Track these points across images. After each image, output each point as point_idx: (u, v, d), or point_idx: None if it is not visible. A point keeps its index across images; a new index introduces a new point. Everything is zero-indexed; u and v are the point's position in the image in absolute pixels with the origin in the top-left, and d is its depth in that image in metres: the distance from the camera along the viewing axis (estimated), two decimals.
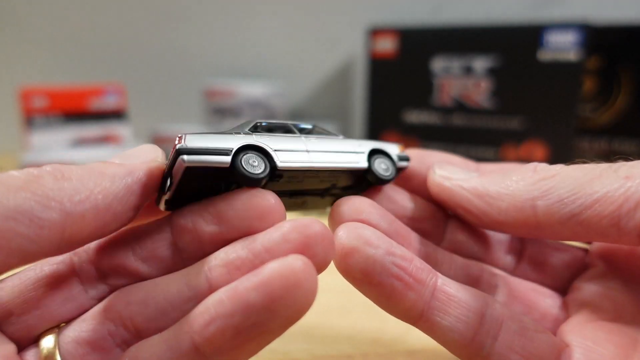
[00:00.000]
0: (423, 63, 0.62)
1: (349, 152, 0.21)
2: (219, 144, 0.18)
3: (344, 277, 0.19)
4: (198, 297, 0.16)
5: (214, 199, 0.18)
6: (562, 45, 0.55)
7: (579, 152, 0.62)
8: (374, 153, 0.22)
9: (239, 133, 0.19)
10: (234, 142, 0.18)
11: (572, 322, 0.20)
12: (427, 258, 0.21)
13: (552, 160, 0.56)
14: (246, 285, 0.15)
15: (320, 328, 0.30)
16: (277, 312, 0.15)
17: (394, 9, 0.78)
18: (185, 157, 0.17)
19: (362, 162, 0.21)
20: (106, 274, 0.18)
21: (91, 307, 0.18)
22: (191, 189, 0.18)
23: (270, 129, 0.21)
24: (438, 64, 0.62)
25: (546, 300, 0.22)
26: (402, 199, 0.23)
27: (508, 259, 0.23)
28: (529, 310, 0.22)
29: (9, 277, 0.18)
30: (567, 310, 0.21)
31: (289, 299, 0.14)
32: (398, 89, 0.65)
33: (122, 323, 0.17)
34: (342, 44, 0.83)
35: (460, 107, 0.61)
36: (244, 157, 0.18)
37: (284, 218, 0.18)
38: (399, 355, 0.27)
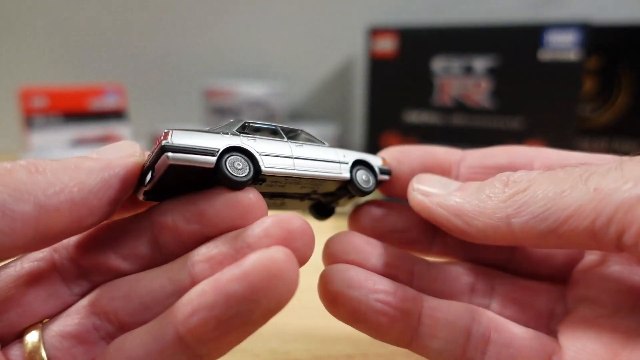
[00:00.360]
0: (423, 63, 0.62)
1: (333, 162, 0.21)
2: (204, 143, 0.17)
3: (334, 317, 0.20)
4: (181, 292, 0.17)
5: (194, 197, 0.18)
6: (562, 45, 0.55)
7: (579, 152, 0.61)
8: (357, 164, 0.22)
9: (227, 133, 0.19)
10: (220, 143, 0.18)
11: (569, 320, 0.20)
12: (420, 278, 0.22)
13: None
14: (228, 276, 0.15)
15: (321, 328, 0.30)
16: (259, 302, 0.15)
17: (394, 9, 0.78)
18: (170, 154, 0.16)
19: (344, 173, 0.21)
20: (87, 271, 0.18)
21: (74, 302, 0.18)
22: (172, 183, 0.18)
23: (258, 130, 0.21)
24: (438, 64, 0.62)
25: (542, 297, 0.22)
26: (384, 213, 0.23)
27: (503, 253, 0.23)
28: (523, 310, 0.21)
29: None
30: (566, 304, 0.21)
31: (271, 289, 0.15)
32: (398, 89, 0.65)
33: (107, 317, 0.17)
34: (342, 44, 0.83)
35: (460, 107, 0.61)
36: (229, 159, 0.18)
37: (263, 209, 0.18)
38: (399, 355, 0.27)
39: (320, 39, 0.84)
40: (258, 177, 0.19)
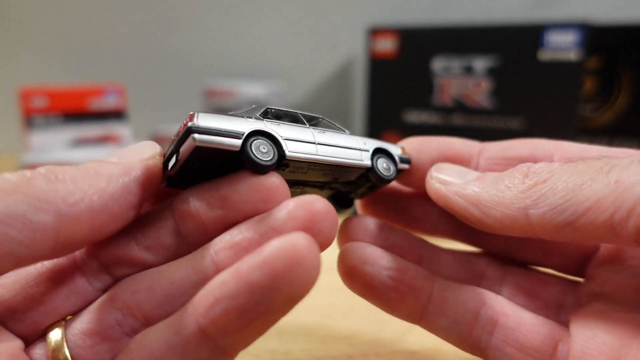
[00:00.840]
0: (423, 63, 0.62)
1: (354, 149, 0.21)
2: (230, 126, 0.17)
3: (350, 290, 0.21)
4: (205, 281, 0.16)
5: (216, 182, 0.18)
6: (562, 45, 0.55)
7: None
8: (377, 152, 0.22)
9: (250, 117, 0.19)
10: (245, 126, 0.18)
11: (582, 312, 0.20)
12: (429, 261, 0.23)
13: None
14: (249, 264, 0.15)
15: (321, 328, 0.30)
16: (280, 290, 0.14)
17: (394, 9, 0.78)
18: (196, 136, 0.16)
19: (366, 160, 0.21)
20: (109, 265, 0.18)
21: (96, 298, 0.18)
22: (196, 168, 0.18)
23: (279, 117, 0.21)
24: (438, 64, 0.62)
25: (552, 288, 0.22)
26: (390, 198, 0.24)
27: (514, 241, 0.23)
28: (532, 300, 0.22)
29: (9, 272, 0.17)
30: (578, 298, 0.21)
31: (292, 276, 0.14)
32: (398, 89, 0.65)
33: (130, 312, 0.17)
34: (342, 44, 0.83)
35: (460, 107, 0.61)
36: (254, 142, 0.18)
37: (286, 192, 0.18)
38: (399, 355, 0.27)
39: (320, 39, 0.84)
40: (281, 162, 0.19)
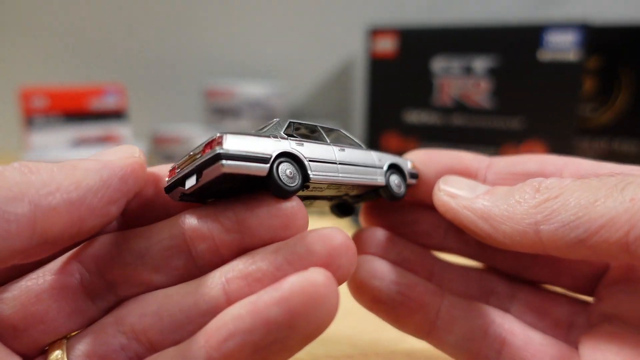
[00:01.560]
0: (423, 63, 0.62)
1: (371, 167, 0.21)
2: (257, 148, 0.17)
3: (359, 303, 0.21)
4: (215, 310, 0.16)
5: (233, 204, 0.17)
6: (562, 46, 0.55)
7: (579, 152, 0.61)
8: (390, 168, 0.22)
9: (276, 136, 0.18)
10: (272, 148, 0.17)
11: (593, 333, 0.19)
12: (439, 277, 0.22)
13: None
14: (266, 300, 0.14)
15: None
16: (297, 328, 0.14)
17: (393, 9, 0.78)
18: (224, 162, 0.16)
19: (380, 179, 0.21)
20: (115, 284, 0.18)
21: (99, 317, 0.17)
22: (215, 188, 0.17)
23: (300, 130, 0.20)
24: (438, 64, 0.62)
25: (561, 308, 0.21)
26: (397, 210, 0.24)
27: (522, 260, 0.22)
28: (542, 318, 0.21)
29: (8, 286, 0.17)
30: (589, 318, 0.21)
31: (310, 314, 0.14)
32: (398, 89, 0.65)
33: (135, 336, 0.17)
34: (342, 44, 0.83)
35: (460, 107, 0.61)
36: (280, 166, 0.17)
37: (307, 226, 0.17)
38: (399, 355, 0.27)
39: (320, 39, 0.84)
40: (304, 184, 0.18)
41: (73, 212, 0.15)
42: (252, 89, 0.76)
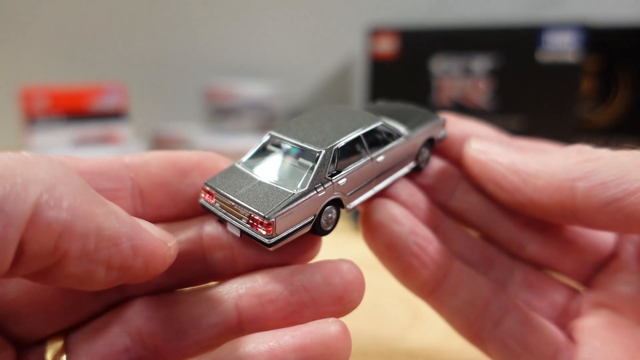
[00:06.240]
0: (423, 64, 0.62)
1: (404, 161, 0.21)
2: (302, 217, 0.17)
3: (369, 249, 0.20)
4: (225, 324, 0.16)
5: None
6: (561, 46, 0.55)
7: None
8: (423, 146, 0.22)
9: (320, 185, 0.18)
10: (315, 207, 0.17)
11: (588, 320, 0.20)
12: (443, 234, 0.22)
13: None
14: (284, 346, 0.15)
15: None
16: None
17: (393, 10, 0.78)
18: (272, 247, 0.16)
19: (408, 169, 0.22)
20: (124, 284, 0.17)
21: (100, 313, 0.17)
22: None
23: (344, 149, 0.19)
24: (438, 65, 0.62)
25: (559, 292, 0.22)
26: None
27: (525, 235, 0.22)
28: (539, 298, 0.22)
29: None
30: (582, 305, 0.21)
31: None
32: (398, 89, 0.65)
33: (140, 339, 0.17)
34: (342, 45, 0.83)
35: (460, 107, 0.61)
36: (322, 215, 0.18)
37: (319, 249, 0.18)
38: (399, 354, 0.27)
39: (320, 39, 0.84)
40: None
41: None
42: (252, 89, 0.76)
